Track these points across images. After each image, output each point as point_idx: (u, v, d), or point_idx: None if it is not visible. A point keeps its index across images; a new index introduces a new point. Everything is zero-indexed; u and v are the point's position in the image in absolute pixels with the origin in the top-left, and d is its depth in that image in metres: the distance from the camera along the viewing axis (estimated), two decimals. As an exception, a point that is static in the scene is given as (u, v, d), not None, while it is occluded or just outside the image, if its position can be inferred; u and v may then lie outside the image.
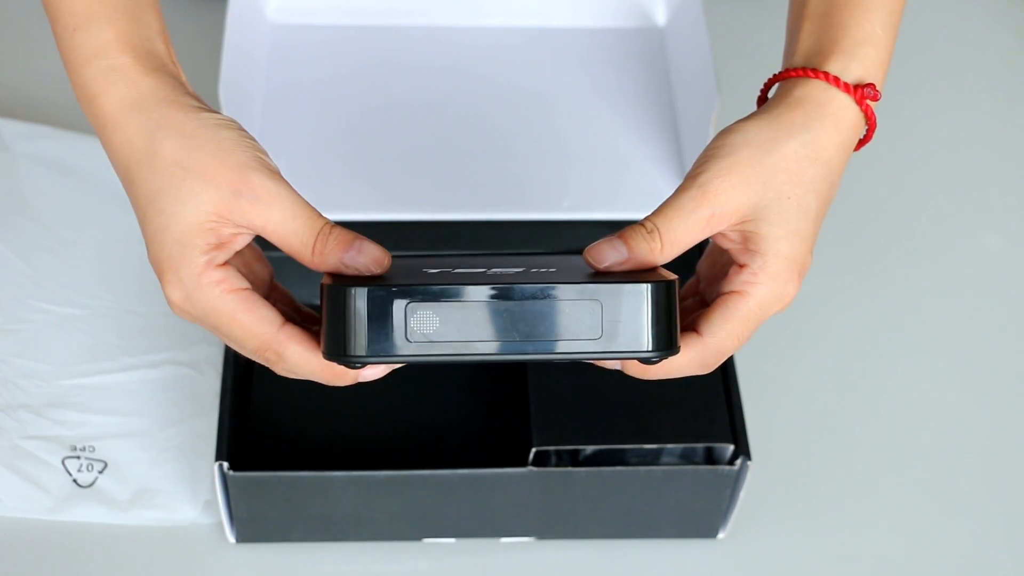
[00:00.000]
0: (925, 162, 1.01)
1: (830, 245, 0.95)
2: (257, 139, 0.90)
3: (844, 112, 0.65)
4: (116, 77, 0.63)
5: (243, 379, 0.80)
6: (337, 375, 0.63)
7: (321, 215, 0.62)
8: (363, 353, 0.59)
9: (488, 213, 0.88)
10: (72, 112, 0.96)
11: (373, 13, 0.99)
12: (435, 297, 0.59)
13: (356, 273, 0.61)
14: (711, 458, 0.77)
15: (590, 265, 0.63)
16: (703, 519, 0.80)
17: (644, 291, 0.59)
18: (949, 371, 0.90)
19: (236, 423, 0.77)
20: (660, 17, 1.00)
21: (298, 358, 0.62)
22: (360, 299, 0.59)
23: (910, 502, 0.84)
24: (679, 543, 0.81)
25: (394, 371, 0.63)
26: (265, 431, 0.79)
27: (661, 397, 0.78)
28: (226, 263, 0.62)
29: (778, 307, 0.65)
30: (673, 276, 0.61)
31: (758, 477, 0.80)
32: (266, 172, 0.62)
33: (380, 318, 0.59)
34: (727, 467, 0.76)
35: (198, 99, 0.64)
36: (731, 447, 0.76)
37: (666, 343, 0.60)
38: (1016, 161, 1.02)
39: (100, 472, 0.81)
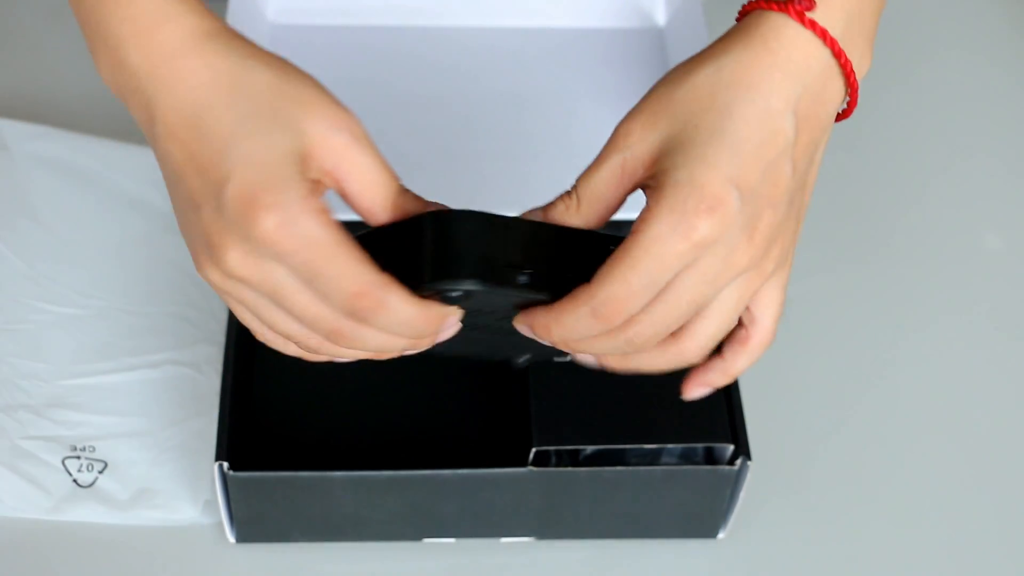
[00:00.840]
0: (924, 161, 1.01)
1: (830, 244, 0.95)
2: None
3: (781, 31, 0.58)
4: (183, 8, 0.59)
5: (243, 379, 0.80)
6: (429, 321, 0.58)
7: (396, 176, 0.60)
8: (467, 275, 0.57)
9: (488, 213, 0.88)
10: (72, 112, 0.97)
11: (373, 14, 0.99)
12: (528, 233, 0.58)
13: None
14: (711, 458, 0.77)
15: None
16: (703, 519, 0.80)
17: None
18: (949, 371, 0.90)
19: (236, 423, 0.77)
20: (660, 17, 1.00)
21: (399, 302, 0.57)
22: (460, 219, 0.58)
23: (910, 502, 0.84)
24: (679, 543, 0.81)
25: (396, 358, 0.62)
26: (265, 431, 0.79)
27: (661, 397, 0.78)
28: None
29: (684, 245, 0.56)
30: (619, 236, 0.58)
31: (758, 477, 0.80)
32: (354, 119, 0.59)
33: (486, 243, 0.58)
34: (727, 467, 0.76)
35: None
36: (731, 447, 0.76)
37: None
38: (1017, 159, 1.02)
39: (100, 472, 0.81)
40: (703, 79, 0.57)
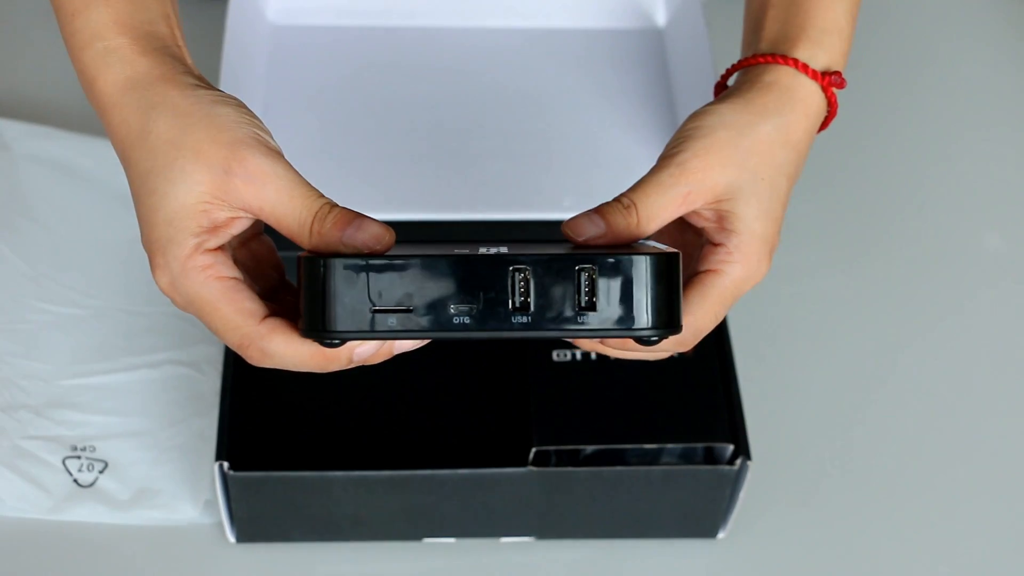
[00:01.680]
0: (924, 161, 1.01)
1: (830, 245, 0.95)
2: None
3: (811, 98, 0.67)
4: (113, 59, 0.62)
5: (243, 379, 0.80)
6: (328, 359, 0.60)
7: (321, 195, 0.60)
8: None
9: (488, 213, 0.88)
10: (72, 112, 0.97)
11: (373, 14, 0.99)
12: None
13: (356, 252, 0.58)
14: (711, 458, 0.77)
15: (568, 239, 0.62)
16: (703, 519, 0.80)
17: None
18: (949, 370, 0.90)
19: (236, 423, 0.77)
20: (660, 18, 1.00)
21: (283, 349, 0.60)
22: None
23: (910, 502, 0.84)
24: (679, 543, 0.81)
25: (396, 358, 0.61)
26: (265, 431, 0.78)
27: (661, 397, 0.78)
28: (219, 248, 0.60)
29: (751, 284, 0.66)
30: (674, 250, 0.60)
31: (758, 477, 0.80)
32: (262, 149, 0.60)
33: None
34: (727, 467, 0.76)
35: (200, 78, 0.62)
36: (731, 447, 0.76)
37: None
38: (1017, 159, 1.02)
39: (100, 472, 0.81)
40: (766, 136, 0.65)
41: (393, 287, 0.57)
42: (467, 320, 0.57)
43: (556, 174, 0.91)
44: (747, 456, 0.76)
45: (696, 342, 0.65)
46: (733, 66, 0.70)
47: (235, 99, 0.62)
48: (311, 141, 0.92)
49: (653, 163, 0.65)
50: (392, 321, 0.57)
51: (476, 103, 0.95)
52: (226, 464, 0.75)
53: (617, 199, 0.63)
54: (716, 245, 0.65)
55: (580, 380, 0.78)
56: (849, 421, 0.87)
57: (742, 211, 0.65)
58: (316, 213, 0.59)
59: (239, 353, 0.61)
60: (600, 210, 0.63)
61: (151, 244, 0.60)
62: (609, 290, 0.57)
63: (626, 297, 0.57)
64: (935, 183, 1.00)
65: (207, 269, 0.60)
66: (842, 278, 0.94)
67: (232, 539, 0.79)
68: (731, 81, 0.70)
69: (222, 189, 0.59)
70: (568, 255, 0.57)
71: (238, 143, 0.59)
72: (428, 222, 0.87)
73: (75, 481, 0.81)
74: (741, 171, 0.64)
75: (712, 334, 0.80)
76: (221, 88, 0.84)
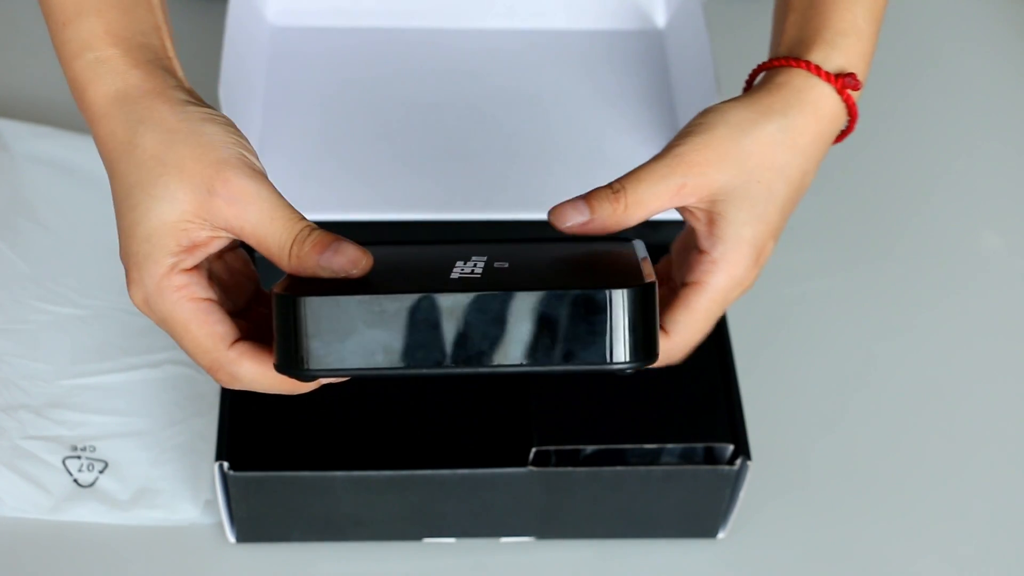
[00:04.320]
0: (924, 162, 1.01)
1: (830, 245, 0.95)
2: (257, 141, 0.91)
3: (824, 100, 0.66)
4: (104, 70, 0.62)
5: (243, 379, 0.80)
6: (296, 386, 0.61)
7: (303, 218, 0.60)
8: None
9: (488, 214, 0.88)
10: (72, 112, 0.96)
11: (373, 16, 0.99)
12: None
13: (333, 275, 0.58)
14: (711, 458, 0.77)
15: (553, 226, 0.62)
16: (703, 519, 0.80)
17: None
18: (949, 370, 0.90)
19: (236, 423, 0.77)
20: (660, 19, 1.00)
21: (252, 376, 0.61)
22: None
23: (910, 502, 0.84)
24: (679, 543, 0.81)
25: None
26: (265, 431, 0.78)
27: (661, 397, 0.78)
28: (195, 268, 0.61)
29: (738, 292, 0.65)
30: (652, 279, 0.58)
31: (758, 477, 0.80)
32: (246, 171, 0.60)
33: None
34: (727, 467, 0.76)
35: (191, 93, 0.63)
36: (731, 447, 0.76)
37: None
38: (1017, 159, 1.02)
39: (101, 472, 0.81)
40: (768, 137, 0.64)
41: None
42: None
43: (556, 175, 0.91)
44: (747, 456, 0.76)
45: (685, 356, 0.65)
46: (756, 68, 0.69)
47: (223, 117, 0.62)
48: (311, 142, 0.92)
49: (653, 164, 0.65)
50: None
51: (476, 104, 0.95)
52: (226, 464, 0.75)
53: (609, 184, 0.63)
54: (701, 253, 0.65)
55: (580, 380, 0.78)
56: (849, 421, 0.87)
57: (732, 215, 0.64)
58: (296, 236, 0.59)
59: (209, 375, 0.62)
60: (588, 196, 0.63)
61: (128, 258, 0.61)
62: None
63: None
64: (934, 183, 1.00)
65: (181, 289, 0.60)
66: (842, 278, 0.94)
67: (232, 539, 0.79)
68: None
69: (204, 208, 0.59)
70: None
71: (223, 163, 0.59)
72: (428, 222, 0.88)
73: (75, 481, 0.81)
74: (739, 171, 0.64)
75: (712, 334, 0.80)
76: (221, 89, 0.85)
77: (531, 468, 0.76)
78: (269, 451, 0.78)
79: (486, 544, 0.81)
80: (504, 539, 0.81)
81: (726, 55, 0.97)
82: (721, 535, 0.81)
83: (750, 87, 0.70)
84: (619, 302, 0.56)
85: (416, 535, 0.80)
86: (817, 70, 0.66)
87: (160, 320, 0.61)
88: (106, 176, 0.91)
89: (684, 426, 0.77)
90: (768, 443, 0.83)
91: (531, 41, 0.99)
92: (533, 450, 0.76)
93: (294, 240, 0.59)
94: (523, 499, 0.78)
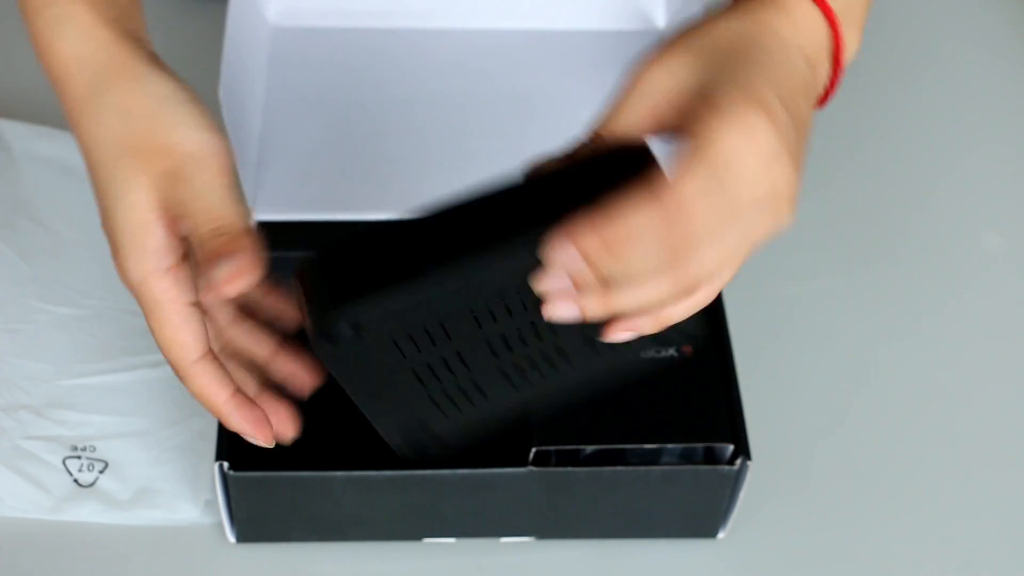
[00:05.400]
0: (924, 161, 1.01)
1: (829, 245, 0.95)
2: (257, 141, 0.91)
3: (798, 9, 0.57)
4: (68, 27, 0.61)
5: (243, 379, 0.80)
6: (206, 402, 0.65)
7: (245, 212, 0.61)
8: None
9: (488, 213, 0.88)
10: (73, 113, 0.97)
11: (374, 16, 0.99)
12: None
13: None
14: (711, 458, 0.77)
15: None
16: (703, 519, 0.80)
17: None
18: (949, 370, 0.90)
19: (236, 423, 0.77)
20: (660, 19, 1.00)
21: (191, 381, 0.64)
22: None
23: (910, 502, 0.84)
24: (679, 543, 0.81)
25: None
26: (265, 431, 0.79)
27: (661, 397, 0.78)
28: (177, 266, 0.61)
29: (753, 159, 0.51)
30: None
31: (758, 477, 0.80)
32: (205, 156, 0.61)
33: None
34: (727, 467, 0.76)
35: (152, 56, 0.62)
36: (731, 447, 0.76)
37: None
38: (1017, 159, 1.02)
39: (101, 472, 0.81)
40: (736, 27, 0.56)
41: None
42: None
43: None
44: (747, 456, 0.76)
45: (690, 246, 0.52)
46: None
47: (184, 87, 0.62)
48: (311, 142, 0.92)
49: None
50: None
51: (476, 105, 0.95)
52: (226, 464, 0.75)
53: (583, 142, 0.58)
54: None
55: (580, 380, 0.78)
56: (849, 421, 0.87)
57: (717, 93, 0.53)
58: (215, 228, 0.60)
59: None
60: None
61: (112, 241, 0.61)
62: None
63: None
64: (936, 183, 1.00)
65: (165, 292, 0.61)
66: (842, 278, 0.94)
67: (232, 539, 0.79)
68: None
69: (167, 194, 0.60)
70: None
71: (176, 148, 0.60)
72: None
73: (75, 481, 0.81)
74: (709, 66, 0.54)
75: (712, 334, 0.80)
76: (221, 89, 0.84)
77: (531, 468, 0.76)
78: (269, 451, 0.77)
79: (486, 544, 0.81)
80: (504, 539, 0.81)
81: (726, 55, 0.97)
82: (721, 535, 0.81)
83: None
84: None
85: (416, 535, 0.80)
86: None
87: (142, 306, 0.62)
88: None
89: (684, 426, 0.77)
90: (768, 443, 0.83)
91: (531, 41, 0.99)
92: (533, 450, 0.76)
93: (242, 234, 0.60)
94: (523, 499, 0.78)
